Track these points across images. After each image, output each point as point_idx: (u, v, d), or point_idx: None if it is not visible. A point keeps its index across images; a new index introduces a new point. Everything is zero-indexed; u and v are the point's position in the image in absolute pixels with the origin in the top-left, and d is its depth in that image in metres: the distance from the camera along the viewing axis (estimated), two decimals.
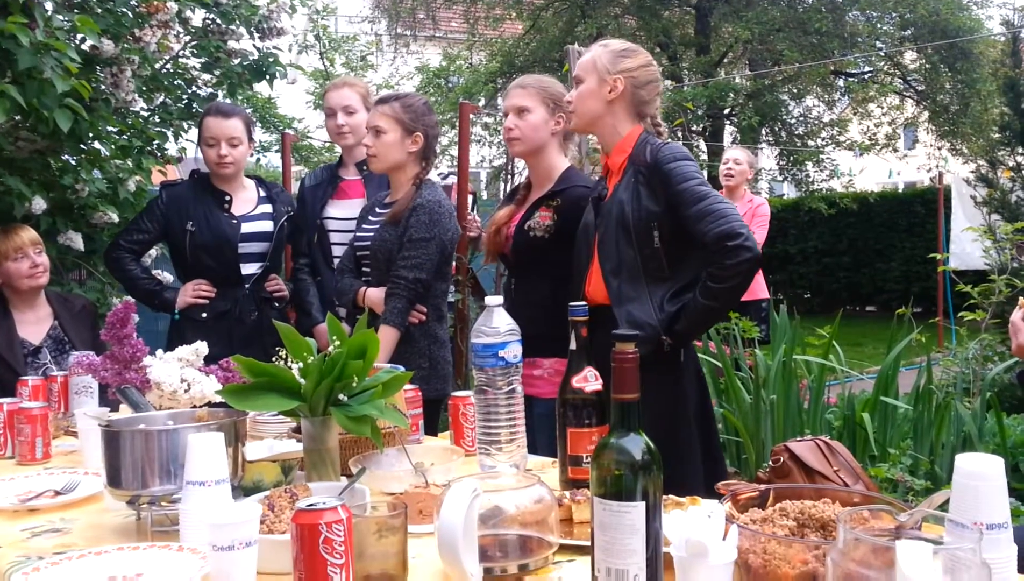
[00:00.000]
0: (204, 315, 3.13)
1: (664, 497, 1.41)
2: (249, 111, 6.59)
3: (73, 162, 3.74)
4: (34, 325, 3.00)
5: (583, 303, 1.72)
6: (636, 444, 1.08)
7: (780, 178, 15.03)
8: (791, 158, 13.99)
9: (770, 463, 2.22)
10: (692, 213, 2.15)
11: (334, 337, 1.62)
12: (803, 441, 2.24)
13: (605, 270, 2.27)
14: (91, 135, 3.60)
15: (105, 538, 1.51)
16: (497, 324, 1.76)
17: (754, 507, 1.22)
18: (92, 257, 3.77)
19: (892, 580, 0.81)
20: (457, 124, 4.50)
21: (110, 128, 3.83)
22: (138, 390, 1.95)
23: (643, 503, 1.06)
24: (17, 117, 3.23)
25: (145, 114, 4.09)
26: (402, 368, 1.91)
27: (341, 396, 1.61)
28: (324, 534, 1.15)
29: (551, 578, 1.26)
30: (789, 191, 16.53)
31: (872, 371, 4.32)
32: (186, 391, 1.90)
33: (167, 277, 3.63)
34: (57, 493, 1.76)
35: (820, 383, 3.60)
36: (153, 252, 3.69)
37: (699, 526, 1.08)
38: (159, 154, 4.16)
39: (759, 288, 5.28)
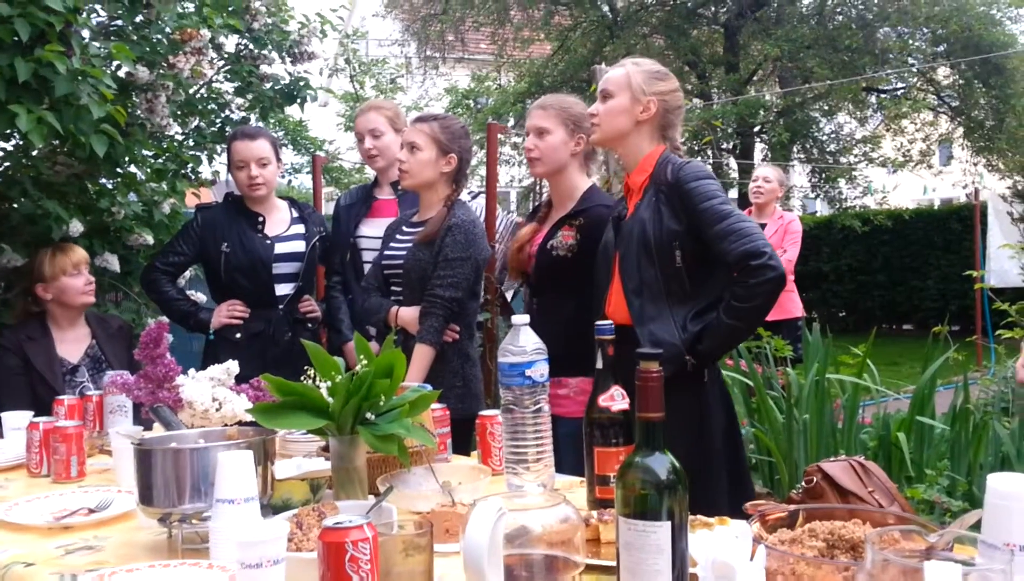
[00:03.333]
0: (238, 336, 3.16)
1: (692, 517, 1.41)
2: (281, 134, 6.73)
3: (110, 186, 3.82)
4: (72, 344, 3.05)
5: (609, 322, 1.71)
6: (661, 463, 1.08)
7: (812, 195, 14.91)
8: (823, 175, 13.88)
9: (803, 484, 2.19)
10: (715, 232, 2.14)
11: (361, 356, 1.64)
12: (837, 461, 2.21)
13: (627, 290, 2.26)
14: (127, 159, 3.67)
15: (137, 556, 1.52)
16: (524, 343, 1.76)
17: (783, 527, 1.21)
18: (128, 278, 3.83)
19: None
20: (485, 144, 4.52)
21: (145, 152, 3.90)
22: (171, 409, 1.98)
23: (668, 523, 1.05)
24: (55, 142, 3.31)
25: (180, 138, 4.17)
26: (429, 387, 1.92)
27: (368, 415, 1.62)
28: (350, 552, 1.15)
29: None
30: (822, 209, 16.39)
31: (908, 391, 4.25)
32: (217, 410, 1.93)
33: (201, 298, 3.68)
34: (91, 511, 1.78)
35: (854, 403, 3.55)
36: (187, 273, 3.75)
37: (726, 547, 1.07)
38: (193, 177, 4.24)
39: (793, 306, 5.23)
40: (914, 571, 0.80)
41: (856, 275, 13.86)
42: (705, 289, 2.23)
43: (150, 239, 3.75)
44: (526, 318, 1.79)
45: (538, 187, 5.04)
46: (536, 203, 5.29)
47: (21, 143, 3.41)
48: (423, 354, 2.68)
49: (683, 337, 2.17)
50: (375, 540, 1.18)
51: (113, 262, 3.63)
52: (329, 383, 1.61)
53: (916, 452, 3.44)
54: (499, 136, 5.14)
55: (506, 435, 1.80)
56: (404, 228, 2.94)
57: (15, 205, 3.37)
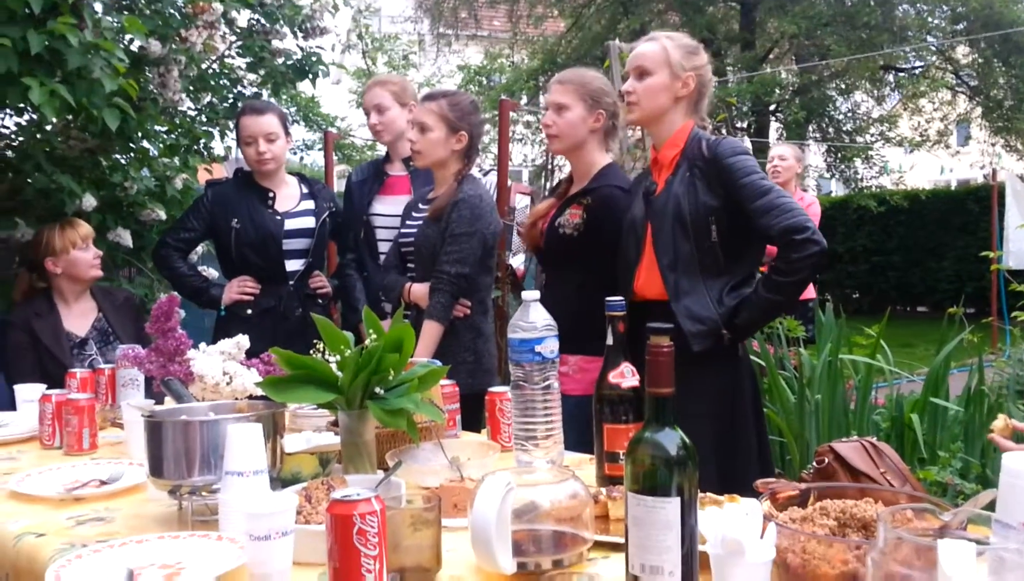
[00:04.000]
0: (249, 311, 3.16)
1: (701, 495, 1.40)
2: (293, 110, 6.71)
3: (123, 161, 3.82)
4: (79, 318, 3.05)
5: (620, 298, 1.70)
6: (671, 439, 1.07)
7: (828, 175, 14.78)
8: (839, 155, 13.76)
9: (814, 464, 2.18)
10: (757, 207, 2.15)
11: (371, 330, 1.63)
12: (849, 442, 2.19)
13: (662, 265, 2.26)
14: (140, 134, 3.67)
15: (147, 527, 1.53)
16: (534, 319, 1.76)
17: (794, 506, 1.20)
18: (141, 254, 3.84)
19: None
20: (498, 122, 4.49)
21: (158, 127, 3.90)
22: (181, 382, 1.98)
23: (678, 499, 1.04)
24: (69, 117, 3.31)
25: (192, 113, 4.16)
26: (439, 363, 1.92)
27: (377, 390, 1.61)
28: (358, 525, 1.15)
29: (585, 574, 1.25)
30: (837, 189, 16.26)
31: (922, 373, 4.22)
32: (228, 384, 1.93)
33: (213, 274, 3.69)
34: (102, 483, 1.79)
35: (867, 384, 3.52)
36: (199, 249, 3.75)
37: (736, 524, 1.06)
38: (205, 153, 4.23)
39: (807, 288, 5.19)
40: (927, 549, 0.79)
41: (871, 256, 13.77)
42: (739, 264, 2.25)
43: (163, 214, 3.76)
44: (536, 294, 1.78)
45: (551, 165, 5.01)
46: (550, 182, 5.26)
47: (35, 117, 3.42)
48: (430, 330, 2.68)
49: (719, 311, 2.19)
50: (383, 513, 1.18)
51: (126, 237, 3.63)
52: (338, 357, 1.61)
53: (929, 434, 3.42)
54: (511, 113, 5.11)
55: (516, 411, 1.79)
56: (420, 205, 2.93)
57: (29, 180, 3.37)
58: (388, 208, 3.18)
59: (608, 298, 1.70)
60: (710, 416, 2.19)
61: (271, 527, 1.24)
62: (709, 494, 1.40)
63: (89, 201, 3.40)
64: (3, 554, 1.50)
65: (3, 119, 3.57)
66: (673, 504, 1.04)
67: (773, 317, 2.32)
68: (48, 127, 3.45)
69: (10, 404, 2.47)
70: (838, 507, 1.13)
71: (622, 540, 1.14)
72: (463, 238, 2.70)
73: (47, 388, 2.32)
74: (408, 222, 2.93)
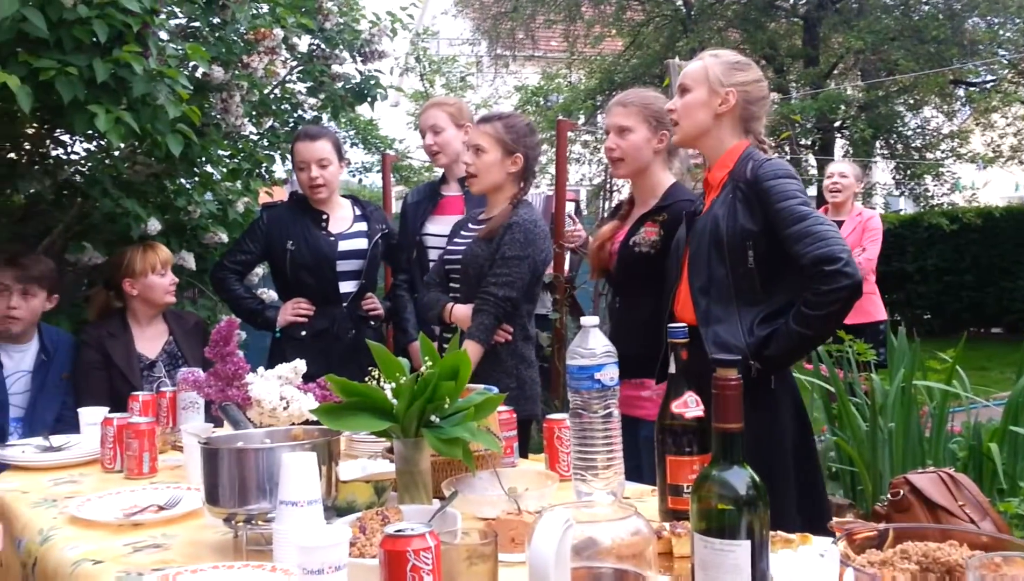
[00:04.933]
0: (303, 333, 3.18)
1: (772, 533, 1.33)
2: (351, 133, 6.78)
3: (188, 185, 3.89)
4: (151, 340, 3.10)
5: (683, 325, 1.64)
6: (740, 478, 1.01)
7: (897, 193, 14.40)
8: (908, 172, 13.39)
9: (888, 496, 2.09)
10: (790, 233, 2.04)
11: (426, 357, 1.60)
12: (925, 473, 2.09)
13: (693, 288, 2.18)
14: (203, 159, 3.73)
15: (203, 555, 1.52)
16: (593, 345, 1.70)
17: (871, 547, 1.12)
18: (204, 276, 3.90)
19: None
20: (555, 142, 4.46)
21: (221, 152, 3.97)
22: (239, 407, 1.98)
23: (748, 541, 0.98)
24: (134, 143, 3.38)
25: (255, 138, 4.23)
26: (495, 389, 1.88)
27: (433, 418, 1.58)
28: (412, 561, 1.12)
29: None
30: (906, 206, 15.84)
31: (1000, 397, 4.04)
32: (285, 409, 1.92)
33: (273, 295, 3.72)
34: (160, 508, 1.79)
35: (942, 410, 3.38)
36: (259, 270, 3.79)
37: (810, 568, 1.00)
38: (267, 176, 4.29)
39: (876, 309, 5.03)
40: None
41: (943, 276, 13.33)
42: (776, 293, 2.12)
43: (225, 237, 3.81)
44: (595, 319, 1.73)
45: (609, 184, 4.95)
46: (608, 202, 5.21)
47: (103, 143, 3.50)
48: (471, 351, 2.62)
49: (748, 341, 2.07)
50: (437, 549, 1.14)
51: (189, 260, 3.69)
52: (393, 384, 1.58)
53: (1009, 464, 3.26)
54: (569, 134, 5.08)
55: (574, 440, 1.74)
56: (469, 225, 2.91)
57: (96, 204, 3.45)
58: (440, 228, 3.17)
59: (670, 325, 1.64)
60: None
61: (324, 561, 1.22)
62: (780, 533, 1.33)
63: (154, 225, 3.46)
64: None
65: (72, 145, 3.67)
66: (743, 547, 0.98)
67: (804, 352, 2.17)
68: (116, 153, 3.54)
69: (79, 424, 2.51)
70: (920, 550, 1.06)
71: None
72: (514, 262, 2.67)
73: (114, 407, 2.34)
74: (455, 240, 2.91)
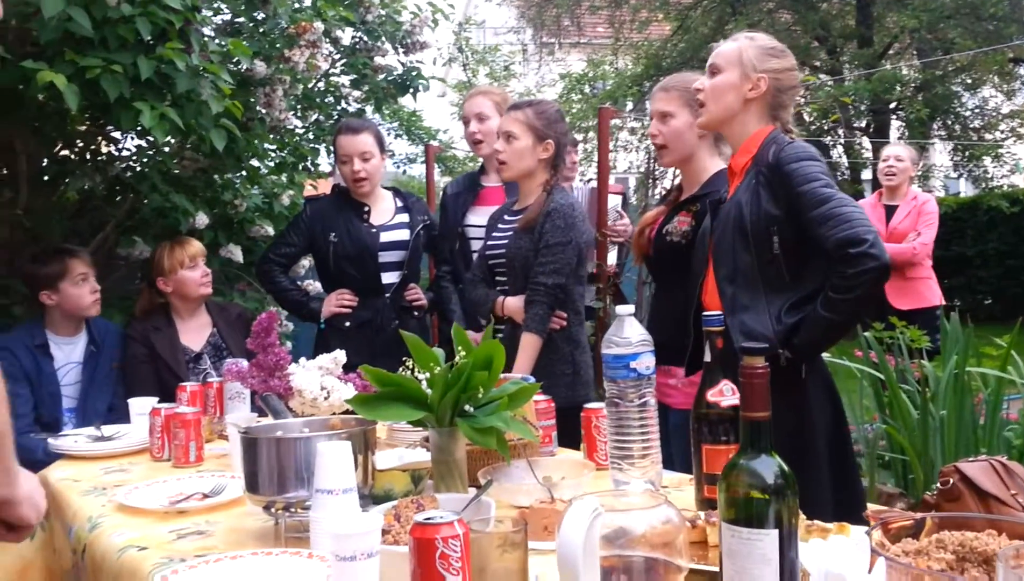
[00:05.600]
0: (347, 324, 3.21)
1: (808, 523, 1.31)
2: (395, 124, 6.82)
3: (235, 180, 3.96)
4: (195, 332, 3.16)
5: (718, 313, 1.62)
6: (768, 466, 1.00)
7: (955, 175, 14.01)
8: (966, 153, 13.01)
9: (938, 485, 2.04)
10: (814, 216, 1.99)
11: (459, 347, 1.61)
12: (976, 461, 2.03)
13: (719, 276, 2.14)
14: (249, 153, 3.79)
15: (245, 542, 1.55)
16: (628, 334, 1.69)
17: (907, 537, 1.10)
18: (251, 268, 3.97)
19: None
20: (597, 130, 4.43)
21: (267, 146, 4.03)
22: (281, 397, 2.01)
23: (776, 531, 0.97)
24: (181, 139, 3.45)
25: (300, 131, 4.28)
26: (532, 379, 1.88)
27: (467, 407, 1.59)
28: (440, 549, 1.12)
29: None
30: (966, 189, 15.42)
31: None
32: (326, 398, 1.95)
33: (318, 287, 3.77)
34: (205, 496, 1.82)
35: (997, 397, 3.28)
36: (306, 262, 3.84)
37: (841, 558, 0.98)
38: (312, 169, 4.34)
39: (931, 294, 4.91)
40: None
41: (1004, 259, 12.94)
42: (804, 279, 2.07)
43: (271, 230, 3.87)
44: (631, 308, 1.72)
45: (653, 173, 4.90)
46: (653, 189, 5.16)
47: (152, 139, 3.58)
48: (530, 343, 2.64)
49: (777, 329, 2.02)
50: (466, 537, 1.15)
51: (237, 253, 3.76)
52: (428, 375, 1.59)
53: None
54: (615, 121, 5.04)
55: (611, 429, 1.73)
56: (505, 217, 2.91)
57: (146, 200, 3.53)
58: (482, 219, 3.17)
59: (705, 313, 1.62)
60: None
61: (356, 548, 1.23)
62: (817, 523, 1.31)
63: (202, 219, 3.53)
64: (107, 567, 1.55)
65: (124, 142, 3.76)
66: (771, 537, 0.97)
67: (834, 338, 2.12)
68: (166, 149, 3.61)
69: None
70: (956, 539, 1.03)
71: (717, 569, 1.07)
72: (558, 248, 2.66)
73: (161, 400, 2.40)
74: (494, 234, 2.91)
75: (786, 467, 0.99)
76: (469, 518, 1.28)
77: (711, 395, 1.58)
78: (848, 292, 1.95)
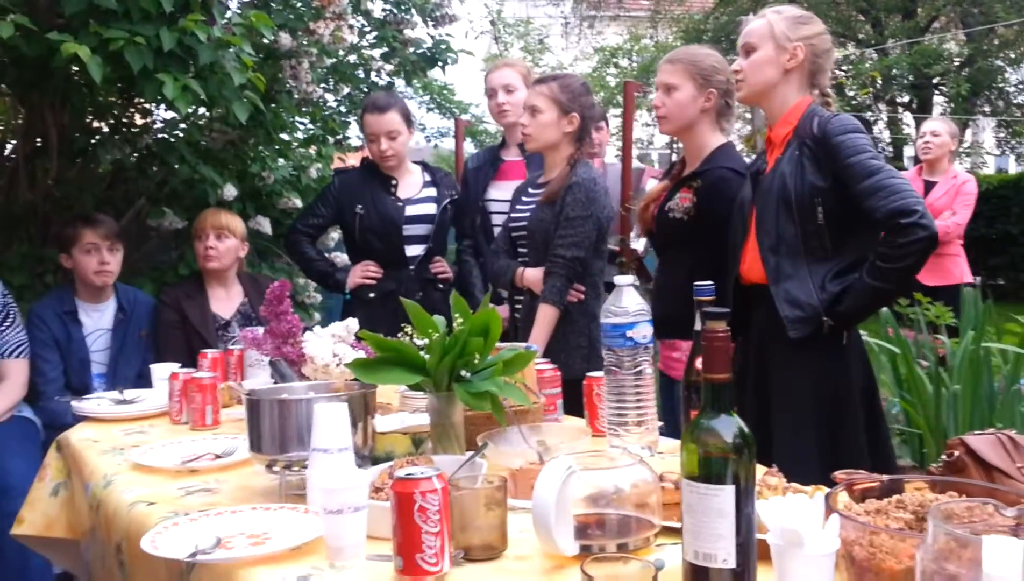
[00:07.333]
0: (372, 295, 3.27)
1: (786, 485, 1.34)
2: (427, 98, 6.84)
3: (264, 152, 4.02)
4: (226, 301, 3.24)
5: (709, 283, 1.65)
6: (728, 426, 1.02)
7: (999, 152, 13.69)
8: (1011, 129, 12.71)
9: (943, 457, 2.05)
10: (862, 188, 2.04)
11: (457, 314, 1.65)
12: (983, 435, 2.04)
13: (763, 247, 2.18)
14: (277, 126, 3.84)
15: (250, 499, 1.61)
16: (626, 304, 1.73)
17: (873, 498, 1.12)
18: (280, 240, 4.04)
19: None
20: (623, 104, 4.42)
21: (298, 119, 4.07)
22: (294, 364, 2.08)
23: (732, 487, 1.00)
24: (211, 111, 3.51)
25: (333, 104, 4.32)
26: (535, 347, 1.92)
27: (464, 372, 1.63)
28: (419, 503, 1.17)
29: (651, 559, 1.22)
30: (1013, 166, 15.05)
31: None
32: (337, 365, 2.01)
33: (344, 258, 3.83)
34: (217, 456, 1.89)
35: (1015, 373, 3.25)
36: (335, 234, 3.91)
37: (796, 514, 1.01)
38: (343, 142, 4.39)
39: (959, 271, 4.84)
40: (971, 545, 0.72)
41: None
42: (846, 249, 2.13)
43: (299, 202, 3.93)
44: (629, 278, 1.76)
45: (676, 145, 4.89)
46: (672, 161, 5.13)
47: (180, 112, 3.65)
48: (547, 314, 2.68)
49: (821, 297, 2.09)
50: (445, 492, 1.20)
51: (265, 225, 3.82)
52: (426, 340, 1.64)
53: None
54: (643, 95, 5.02)
55: (608, 397, 1.77)
56: (530, 189, 2.93)
57: (175, 170, 3.61)
58: (503, 193, 3.20)
59: (697, 282, 1.64)
60: (812, 409, 2.10)
61: (343, 502, 1.29)
62: (795, 484, 1.34)
63: (230, 191, 3.60)
64: (118, 522, 1.62)
65: (155, 114, 3.84)
66: (727, 492, 1.00)
67: (879, 306, 2.19)
68: (199, 121, 3.67)
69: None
70: (916, 500, 1.06)
71: None
72: (578, 221, 2.69)
73: (192, 365, 2.47)
74: (518, 206, 2.93)
75: (745, 427, 1.02)
76: (462, 477, 1.33)
77: (700, 363, 1.60)
78: (898, 261, 2.01)
